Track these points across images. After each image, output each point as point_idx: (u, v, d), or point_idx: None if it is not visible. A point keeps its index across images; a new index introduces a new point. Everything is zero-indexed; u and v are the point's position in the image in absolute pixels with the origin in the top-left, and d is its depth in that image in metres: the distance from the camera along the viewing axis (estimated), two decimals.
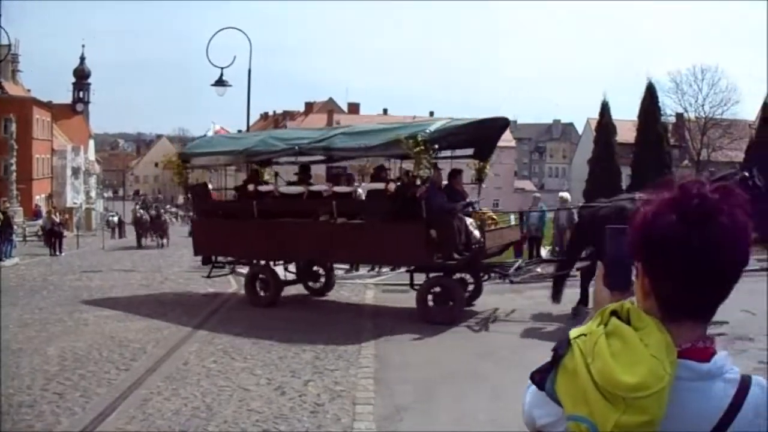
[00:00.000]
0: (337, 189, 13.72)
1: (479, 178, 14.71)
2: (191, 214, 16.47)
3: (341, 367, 9.40)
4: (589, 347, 1.46)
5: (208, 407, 7.64)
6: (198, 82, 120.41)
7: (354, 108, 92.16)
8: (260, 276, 14.31)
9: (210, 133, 17.84)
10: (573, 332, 1.53)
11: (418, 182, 12.42)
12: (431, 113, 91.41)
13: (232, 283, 17.21)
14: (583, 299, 12.12)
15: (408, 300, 13.34)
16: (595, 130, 27.28)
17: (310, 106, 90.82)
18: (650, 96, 22.99)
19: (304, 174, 14.80)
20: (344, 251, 13.29)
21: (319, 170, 17.28)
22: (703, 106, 55.20)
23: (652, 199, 1.54)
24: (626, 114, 39.00)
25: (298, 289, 15.47)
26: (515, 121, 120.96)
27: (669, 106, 53.08)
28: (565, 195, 18.37)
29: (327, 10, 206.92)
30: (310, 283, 15.53)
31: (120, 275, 20.52)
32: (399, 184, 13.01)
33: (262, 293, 14.15)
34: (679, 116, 58.17)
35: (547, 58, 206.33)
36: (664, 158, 22.01)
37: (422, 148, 11.86)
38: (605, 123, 22.89)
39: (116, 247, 35.14)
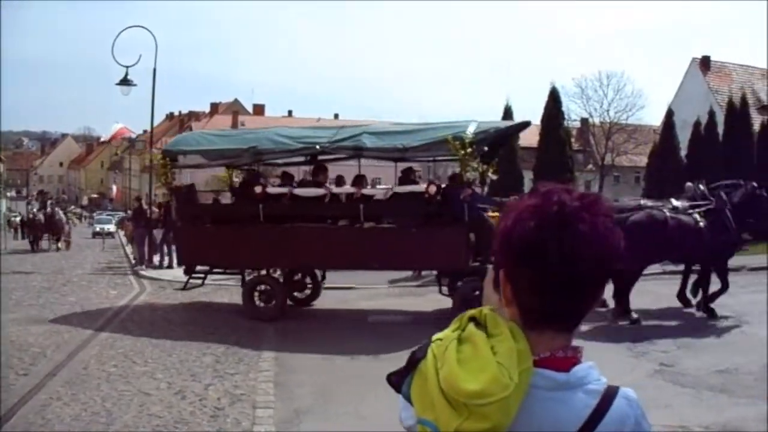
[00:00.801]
0: (365, 191, 13.29)
1: (483, 181, 14.03)
2: (175, 219, 14.67)
3: (241, 370, 9.50)
4: (441, 352, 1.47)
5: (108, 412, 7.64)
6: (104, 81, 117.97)
7: (259, 109, 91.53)
8: (261, 287, 13.32)
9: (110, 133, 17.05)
10: (435, 336, 1.54)
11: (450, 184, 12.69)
12: (336, 115, 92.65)
13: (134, 286, 17.09)
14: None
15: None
16: None
17: (215, 107, 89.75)
18: (553, 100, 23.66)
19: (323, 175, 14.10)
20: (373, 257, 12.39)
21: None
22: (608, 111, 56.94)
23: (516, 206, 1.55)
24: (530, 118, 39.89)
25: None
26: None
27: (574, 111, 54.62)
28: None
29: (233, 10, 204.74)
30: (296, 293, 14.62)
31: (21, 277, 20.14)
32: (439, 186, 12.82)
33: (262, 305, 13.11)
34: (584, 121, 59.91)
35: (454, 59, 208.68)
36: (566, 162, 22.65)
37: (470, 150, 11.81)
38: None
39: (18, 249, 34.13)
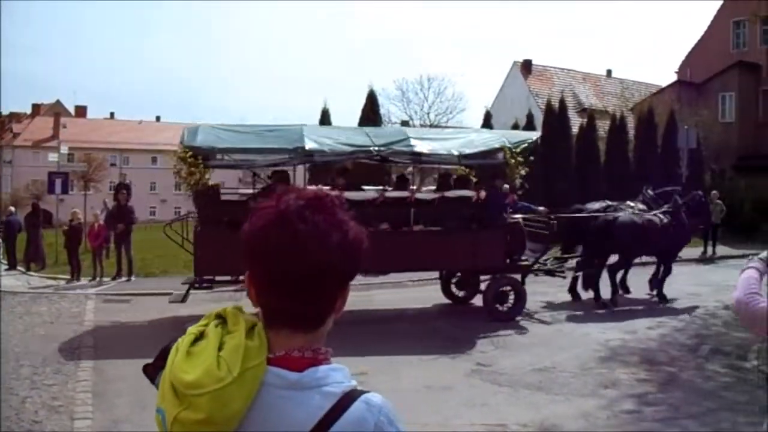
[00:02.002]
0: (419, 196, 13.59)
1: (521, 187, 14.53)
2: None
3: (59, 381, 9.35)
4: (180, 344, 1.58)
5: None
6: None
7: (81, 111, 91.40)
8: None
9: None
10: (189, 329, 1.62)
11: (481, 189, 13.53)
12: (158, 118, 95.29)
13: None
14: (615, 289, 15.03)
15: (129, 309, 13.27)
16: None
17: (37, 108, 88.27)
18: (371, 103, 23.98)
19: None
20: (423, 259, 13.00)
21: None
22: (428, 113, 59.13)
23: (257, 207, 1.61)
24: (348, 120, 40.51)
25: None
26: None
27: (394, 114, 55.96)
28: None
29: (55, 10, 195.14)
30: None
31: None
32: (487, 191, 13.50)
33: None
34: (404, 123, 61.33)
35: (273, 59, 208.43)
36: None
37: (520, 159, 13.30)
38: None
39: None
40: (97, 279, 18.21)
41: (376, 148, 13.10)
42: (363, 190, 13.46)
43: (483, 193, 13.39)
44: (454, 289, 15.10)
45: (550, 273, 14.64)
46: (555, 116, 26.53)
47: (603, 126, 30.48)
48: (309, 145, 12.64)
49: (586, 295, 14.98)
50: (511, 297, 13.34)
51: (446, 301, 15.03)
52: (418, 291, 16.74)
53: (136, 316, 13.53)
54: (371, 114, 23.95)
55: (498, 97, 50.18)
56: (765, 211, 16.94)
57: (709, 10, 69.93)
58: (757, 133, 37.85)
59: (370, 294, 15.21)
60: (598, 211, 15.32)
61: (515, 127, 25.72)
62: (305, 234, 1.51)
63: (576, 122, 33.56)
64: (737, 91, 38.21)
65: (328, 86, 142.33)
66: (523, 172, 13.44)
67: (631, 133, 29.56)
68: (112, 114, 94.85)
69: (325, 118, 23.60)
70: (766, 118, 38.70)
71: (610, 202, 15.77)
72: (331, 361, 1.61)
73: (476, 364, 10.18)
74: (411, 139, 13.45)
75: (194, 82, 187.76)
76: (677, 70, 43.47)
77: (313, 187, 1.75)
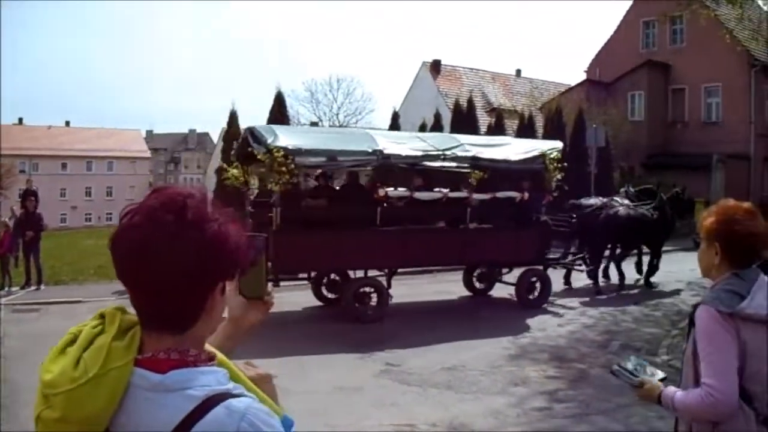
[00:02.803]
0: (476, 196, 14.75)
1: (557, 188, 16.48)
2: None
3: None
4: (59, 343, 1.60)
5: None
6: None
7: None
8: (366, 289, 13.60)
9: None
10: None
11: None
12: (67, 123, 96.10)
13: None
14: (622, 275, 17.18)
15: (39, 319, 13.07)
16: (222, 139, 28.18)
17: None
18: (279, 105, 23.88)
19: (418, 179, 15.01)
20: (474, 255, 14.55)
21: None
22: (337, 114, 60.36)
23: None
24: (255, 122, 40.14)
25: None
26: (151, 131, 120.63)
27: (303, 115, 56.13)
28: None
29: None
30: (330, 295, 15.18)
31: None
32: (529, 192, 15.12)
33: (365, 307, 13.42)
34: (313, 124, 61.73)
35: (179, 64, 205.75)
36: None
37: (557, 165, 15.28)
38: (233, 132, 23.40)
39: None
40: (6, 288, 17.80)
41: (442, 153, 14.32)
42: (432, 191, 14.61)
43: (527, 195, 14.92)
44: (475, 282, 16.32)
45: (569, 266, 16.80)
46: (463, 116, 26.88)
47: (512, 125, 31.02)
48: (387, 148, 13.81)
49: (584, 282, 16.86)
50: (538, 287, 14.90)
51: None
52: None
53: (47, 325, 13.10)
54: (279, 115, 23.86)
55: (407, 97, 50.50)
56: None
57: (618, 10, 72.03)
58: (665, 131, 39.06)
59: (280, 296, 15.04)
60: (595, 206, 16.97)
61: (422, 127, 25.98)
62: (155, 236, 1.51)
63: (485, 122, 34.03)
64: (646, 90, 39.32)
65: (237, 88, 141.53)
66: (559, 176, 15.40)
67: (540, 132, 30.11)
68: (20, 119, 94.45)
69: (233, 120, 23.41)
70: (674, 116, 39.95)
71: (603, 199, 17.54)
72: (206, 364, 1.60)
73: (385, 364, 10.24)
74: (465, 145, 14.86)
75: (104, 86, 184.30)
76: (586, 70, 44.35)
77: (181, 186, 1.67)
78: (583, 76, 43.87)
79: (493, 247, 14.34)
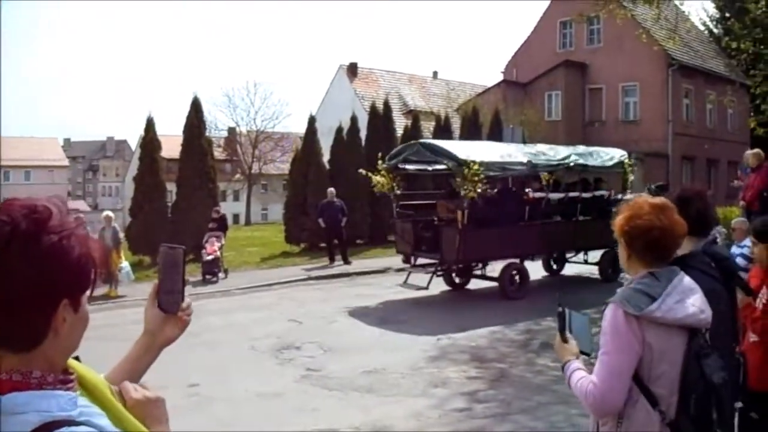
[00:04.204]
0: (584, 195, 18.06)
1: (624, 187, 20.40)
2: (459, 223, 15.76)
3: None
4: None
5: None
6: None
7: None
8: (514, 272, 16.46)
9: None
10: None
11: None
12: None
13: None
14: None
15: None
16: (140, 146, 27.90)
17: None
18: (195, 111, 23.77)
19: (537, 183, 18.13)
20: (581, 242, 18.05)
21: None
22: (255, 119, 60.17)
23: None
24: (173, 129, 40.23)
25: None
26: (69, 139, 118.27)
27: (221, 120, 56.05)
28: (109, 214, 18.48)
29: None
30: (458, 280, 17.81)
31: None
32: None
33: (514, 287, 16.30)
34: (231, 130, 61.82)
35: (99, 70, 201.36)
36: (208, 172, 22.76)
37: (633, 168, 19.86)
38: (150, 139, 23.18)
39: None
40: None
41: (564, 163, 17.47)
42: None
43: (613, 192, 18.95)
44: (553, 264, 19.78)
45: None
46: (379, 118, 26.99)
47: (428, 127, 31.21)
48: (536, 160, 17.00)
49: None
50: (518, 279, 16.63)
51: (273, 309, 15.33)
52: (246, 299, 17.03)
53: None
54: (196, 120, 23.71)
55: (324, 100, 50.74)
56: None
57: (536, 11, 73.32)
58: (583, 130, 39.90)
59: (199, 304, 15.05)
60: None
61: (339, 130, 26.06)
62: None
63: (401, 123, 34.26)
64: (563, 90, 40.19)
65: (154, 94, 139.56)
66: (632, 177, 19.57)
67: (457, 133, 30.46)
68: None
69: (150, 127, 23.20)
70: (592, 116, 40.92)
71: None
72: (54, 387, 1.55)
73: (306, 369, 10.37)
74: (572, 155, 17.94)
75: (20, 94, 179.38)
76: (503, 70, 45.05)
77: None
78: (500, 77, 44.56)
79: (592, 233, 17.41)
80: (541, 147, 19.02)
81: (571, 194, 17.95)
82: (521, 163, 16.65)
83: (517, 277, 16.41)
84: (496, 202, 16.85)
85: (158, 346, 2.11)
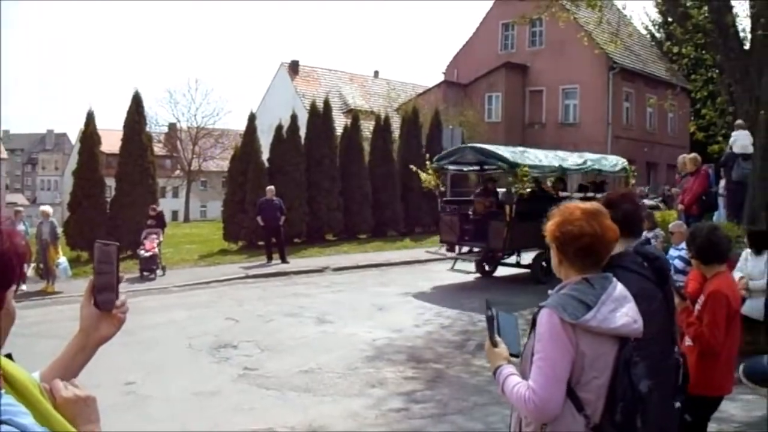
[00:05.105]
0: (597, 195, 18.37)
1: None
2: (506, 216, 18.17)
3: None
4: None
5: None
6: None
7: None
8: (544, 262, 17.68)
9: None
10: None
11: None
12: None
13: None
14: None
15: None
16: (79, 140, 27.64)
17: None
18: (136, 106, 23.59)
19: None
20: None
21: None
22: (195, 116, 60.25)
23: None
24: (114, 124, 40.01)
25: None
26: (8, 131, 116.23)
27: (162, 116, 55.87)
28: (47, 209, 18.25)
29: None
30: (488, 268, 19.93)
31: None
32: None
33: (542, 274, 17.76)
34: (171, 126, 61.50)
35: (40, 63, 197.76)
36: (148, 168, 22.63)
37: (635, 173, 22.94)
38: (90, 133, 22.95)
39: None
40: None
41: (583, 167, 20.69)
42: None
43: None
44: None
45: None
46: (319, 117, 27.01)
47: (368, 126, 31.30)
48: (565, 164, 19.97)
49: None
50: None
51: (210, 307, 15.33)
52: (184, 296, 16.98)
53: None
54: (136, 116, 23.53)
55: (265, 98, 50.83)
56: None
57: (478, 12, 73.91)
58: (523, 132, 40.37)
59: (136, 301, 14.98)
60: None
61: (279, 128, 26.04)
62: None
63: (341, 123, 34.34)
64: (504, 92, 40.57)
65: (94, 88, 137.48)
66: (633, 181, 22.14)
67: (396, 133, 30.62)
68: None
69: (90, 121, 22.94)
70: (531, 118, 41.39)
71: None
72: None
73: (243, 368, 10.38)
74: (588, 161, 20.94)
75: None
76: (445, 71, 45.34)
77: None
78: (441, 78, 44.82)
79: None
80: (562, 153, 21.65)
81: (589, 194, 19.72)
82: (554, 167, 19.65)
83: (544, 264, 17.52)
84: (532, 199, 18.16)
85: (93, 345, 2.11)
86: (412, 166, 21.34)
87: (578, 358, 3.10)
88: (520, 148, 21.59)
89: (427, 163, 19.70)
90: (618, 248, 3.79)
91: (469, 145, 21.35)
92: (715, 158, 18.21)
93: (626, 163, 22.19)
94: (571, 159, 20.85)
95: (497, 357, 3.38)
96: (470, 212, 19.70)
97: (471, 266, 19.61)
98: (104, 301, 2.07)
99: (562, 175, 20.70)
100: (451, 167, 20.94)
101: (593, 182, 22.05)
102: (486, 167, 20.52)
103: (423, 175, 19.59)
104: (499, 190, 20.57)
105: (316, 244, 25.14)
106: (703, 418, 5.55)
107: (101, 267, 2.09)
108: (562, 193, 19.64)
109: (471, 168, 21.80)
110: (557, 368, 3.08)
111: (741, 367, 5.37)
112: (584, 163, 20.91)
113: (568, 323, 3.10)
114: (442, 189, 20.91)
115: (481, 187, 21.31)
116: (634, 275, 3.77)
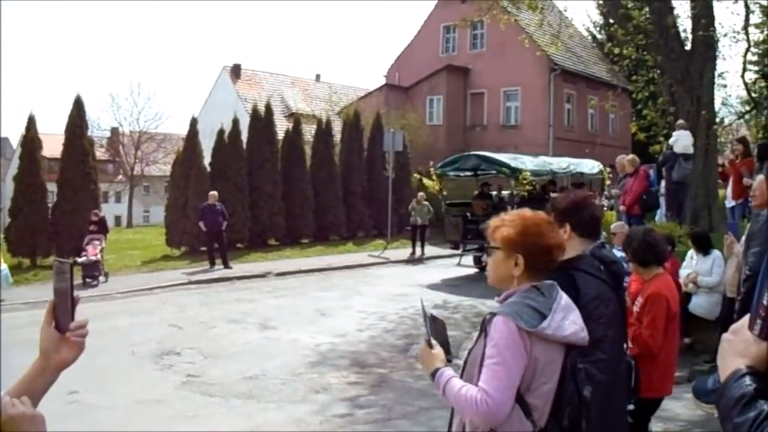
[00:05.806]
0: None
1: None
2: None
3: None
4: None
5: None
6: None
7: None
8: None
9: None
10: None
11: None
12: None
13: None
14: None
15: None
16: (20, 145, 27.39)
17: None
18: (78, 109, 23.40)
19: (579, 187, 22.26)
20: None
21: None
22: (138, 120, 60.01)
23: None
24: (56, 128, 39.51)
25: None
26: None
27: (104, 120, 55.51)
28: None
29: None
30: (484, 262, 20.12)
31: None
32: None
33: None
34: (114, 130, 61.02)
35: None
36: (90, 173, 22.46)
37: (609, 176, 24.60)
38: (31, 137, 22.76)
39: None
40: None
41: (568, 170, 23.67)
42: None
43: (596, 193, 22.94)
44: None
45: None
46: (261, 121, 26.98)
47: (309, 130, 31.32)
48: (555, 169, 22.92)
49: None
50: None
51: (154, 314, 15.26)
52: (127, 303, 16.92)
53: None
54: (78, 120, 23.31)
55: (207, 102, 50.65)
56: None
57: (419, 15, 74.18)
58: (464, 135, 40.54)
59: (78, 308, 14.76)
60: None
61: (221, 132, 25.98)
62: None
63: (283, 126, 34.30)
64: (445, 95, 40.66)
65: (35, 92, 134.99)
66: (608, 182, 24.11)
67: (338, 136, 30.68)
68: None
69: (31, 125, 22.68)
70: (473, 120, 41.57)
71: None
72: None
73: (187, 375, 10.38)
74: (571, 165, 23.99)
75: None
76: (386, 74, 45.39)
77: None
78: (382, 81, 44.86)
79: None
80: (549, 159, 24.72)
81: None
82: (547, 171, 22.14)
83: None
84: (529, 199, 19.54)
85: (54, 368, 2.06)
86: (416, 174, 23.70)
87: (531, 364, 3.13)
88: (512, 155, 23.29)
89: (431, 170, 22.00)
90: (577, 250, 3.89)
91: (475, 153, 23.59)
92: (656, 158, 18.42)
93: (602, 166, 24.34)
94: (557, 163, 23.31)
95: (434, 359, 3.36)
96: (468, 214, 21.92)
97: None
98: (60, 321, 2.05)
99: (553, 177, 23.13)
100: (452, 173, 23.34)
101: (575, 183, 23.95)
102: (479, 172, 23.02)
103: (426, 182, 22.02)
104: (492, 192, 23.04)
105: (258, 249, 25.08)
106: (643, 420, 5.61)
107: (59, 287, 2.06)
108: (552, 195, 20.33)
109: (466, 174, 24.00)
110: (512, 373, 3.10)
111: (692, 385, 5.49)
112: (568, 167, 23.50)
113: (525, 331, 3.13)
114: (445, 193, 22.95)
115: (477, 190, 23.20)
116: (592, 278, 3.81)
